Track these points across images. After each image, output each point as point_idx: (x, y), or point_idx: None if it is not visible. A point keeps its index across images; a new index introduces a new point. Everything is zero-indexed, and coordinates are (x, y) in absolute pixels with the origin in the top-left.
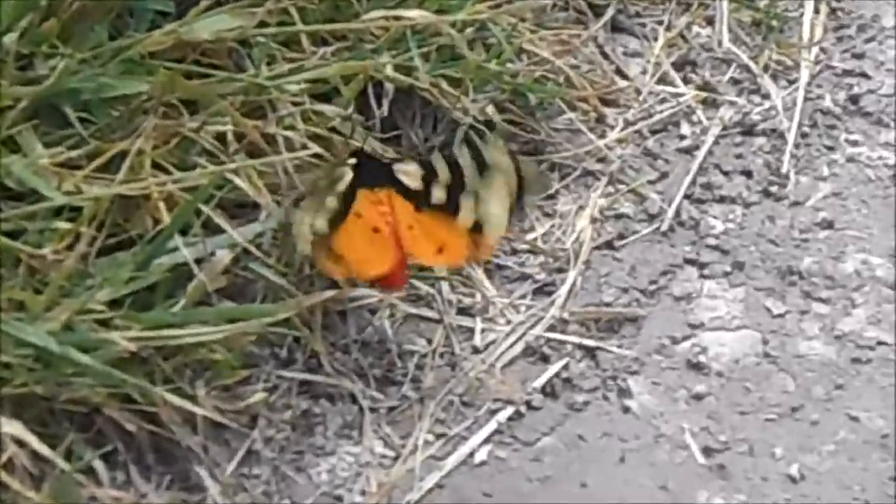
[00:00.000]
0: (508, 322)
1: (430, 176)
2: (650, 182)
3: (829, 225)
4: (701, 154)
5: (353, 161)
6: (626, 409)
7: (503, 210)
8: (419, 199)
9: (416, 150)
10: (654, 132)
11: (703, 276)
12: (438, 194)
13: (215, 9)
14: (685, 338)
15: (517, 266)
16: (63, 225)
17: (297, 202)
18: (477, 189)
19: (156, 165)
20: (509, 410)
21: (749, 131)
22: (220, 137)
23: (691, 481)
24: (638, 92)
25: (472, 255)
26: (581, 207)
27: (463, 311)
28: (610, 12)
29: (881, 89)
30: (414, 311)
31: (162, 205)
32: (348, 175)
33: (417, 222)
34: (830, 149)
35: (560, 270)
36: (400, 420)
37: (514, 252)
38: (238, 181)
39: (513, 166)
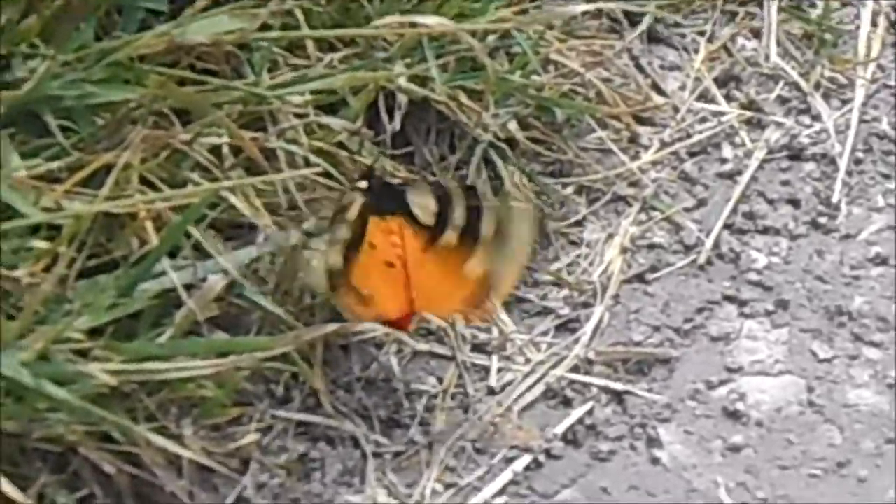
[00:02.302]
0: (528, 361)
1: (444, 215)
2: (687, 210)
3: (883, 261)
4: (743, 180)
5: (363, 184)
6: (656, 461)
7: (515, 277)
8: (428, 236)
9: (430, 170)
10: (692, 154)
11: (743, 315)
12: (449, 238)
13: (213, 9)
14: (722, 383)
15: (538, 299)
16: (40, 244)
17: (307, 234)
18: (491, 245)
19: (143, 181)
20: (527, 459)
21: (797, 156)
22: (215, 151)
23: None
24: (676, 109)
25: (467, 314)
26: (610, 236)
27: (477, 348)
28: (646, 21)
29: None
30: (424, 346)
31: (149, 224)
32: (358, 201)
33: (419, 262)
34: (886, 177)
35: (586, 305)
36: (406, 467)
37: (536, 284)
38: (234, 200)
39: (533, 235)
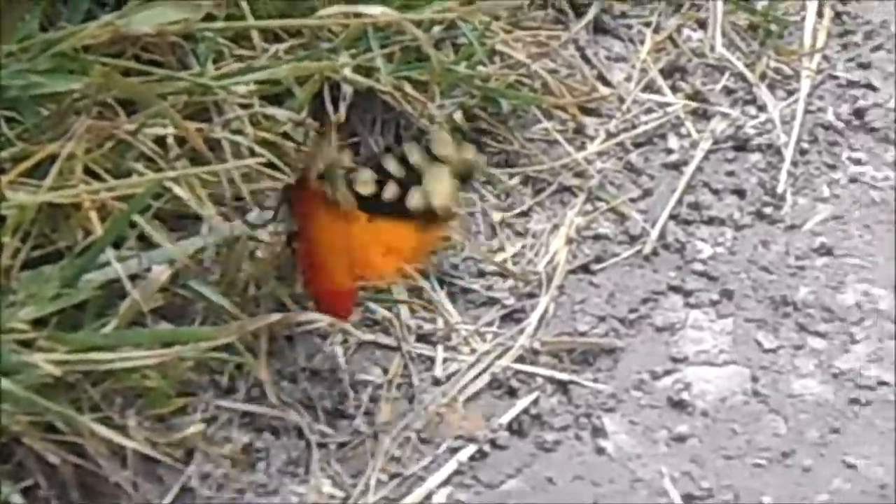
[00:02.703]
0: (473, 351)
1: (383, 178)
2: (632, 200)
3: (827, 251)
4: (689, 170)
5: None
6: (601, 451)
7: (448, 186)
8: (373, 205)
9: (375, 161)
10: (637, 145)
11: (688, 305)
12: (392, 190)
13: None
14: (667, 373)
15: (484, 290)
16: None
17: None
18: (425, 179)
19: (88, 171)
20: (472, 449)
21: (742, 146)
22: (160, 141)
23: None
24: (621, 100)
25: (423, 246)
26: (556, 226)
27: (423, 339)
28: (592, 12)
29: (888, 103)
30: (369, 337)
31: (94, 214)
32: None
33: (366, 231)
34: (831, 167)
35: (531, 296)
36: (351, 457)
37: (481, 274)
38: (178, 190)
39: (457, 155)
